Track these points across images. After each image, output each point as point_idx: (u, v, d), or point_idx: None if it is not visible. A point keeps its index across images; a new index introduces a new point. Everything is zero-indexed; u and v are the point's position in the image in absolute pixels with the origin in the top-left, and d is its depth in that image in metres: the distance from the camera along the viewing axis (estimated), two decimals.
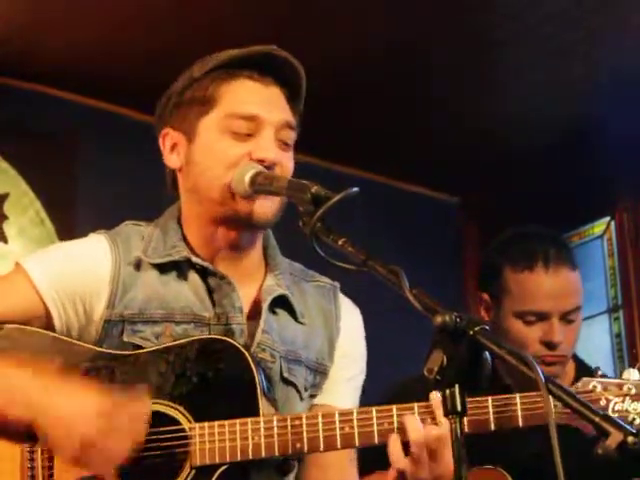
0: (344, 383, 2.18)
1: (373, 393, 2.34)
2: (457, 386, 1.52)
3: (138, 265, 2.08)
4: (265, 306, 2.09)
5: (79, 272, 2.07)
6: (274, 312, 2.12)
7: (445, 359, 1.50)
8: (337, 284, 2.25)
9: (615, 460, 1.37)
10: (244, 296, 2.09)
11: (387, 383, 2.75)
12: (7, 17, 4.29)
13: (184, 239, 2.12)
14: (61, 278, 2.06)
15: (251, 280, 2.13)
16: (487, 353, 1.52)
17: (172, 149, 2.13)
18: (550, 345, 2.68)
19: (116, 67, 4.70)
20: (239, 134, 2.06)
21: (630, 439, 1.36)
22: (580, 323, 2.76)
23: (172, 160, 2.13)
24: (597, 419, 1.41)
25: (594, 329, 5.42)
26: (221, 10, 4.29)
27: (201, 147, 2.09)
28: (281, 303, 2.13)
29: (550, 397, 1.45)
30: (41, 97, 4.81)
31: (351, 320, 2.23)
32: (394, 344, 4.64)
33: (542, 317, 2.69)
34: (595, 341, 5.35)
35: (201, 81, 2.10)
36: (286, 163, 2.09)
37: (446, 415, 1.53)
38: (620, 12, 4.33)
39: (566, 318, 2.71)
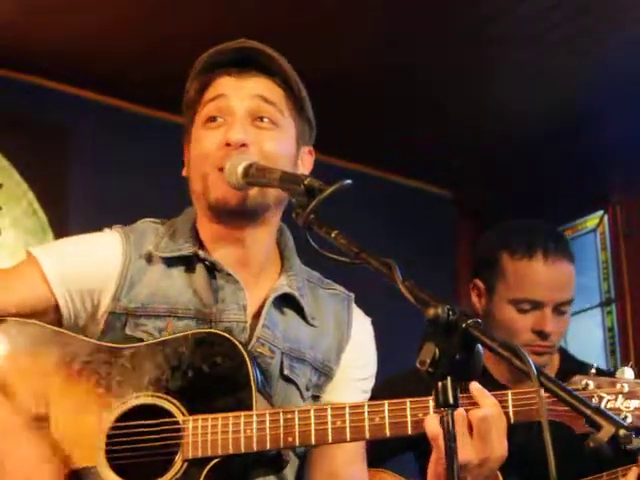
0: (351, 383, 2.17)
1: None
2: (449, 379, 1.51)
3: (149, 259, 2.09)
4: (268, 302, 2.08)
5: (88, 266, 2.07)
6: (281, 311, 2.12)
7: (437, 351, 1.50)
8: (352, 294, 2.25)
9: (603, 457, 1.37)
10: (254, 295, 2.09)
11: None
12: (0, 8, 4.28)
13: (197, 237, 2.13)
14: (71, 271, 2.06)
15: (264, 280, 2.13)
16: (479, 346, 1.52)
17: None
18: (541, 334, 2.71)
19: (111, 60, 4.70)
20: (211, 123, 2.08)
21: (622, 432, 1.36)
22: (570, 316, 2.80)
23: (185, 171, 2.17)
24: (589, 412, 1.41)
25: (587, 322, 5.42)
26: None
27: (192, 149, 2.13)
28: (290, 303, 2.13)
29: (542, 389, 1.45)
30: (35, 89, 4.81)
31: (362, 328, 2.22)
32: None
33: (536, 306, 2.72)
34: (588, 334, 5.35)
35: (188, 91, 2.15)
36: (263, 142, 2.07)
37: (438, 408, 1.52)
38: (614, 8, 4.34)
39: (559, 309, 2.75)
